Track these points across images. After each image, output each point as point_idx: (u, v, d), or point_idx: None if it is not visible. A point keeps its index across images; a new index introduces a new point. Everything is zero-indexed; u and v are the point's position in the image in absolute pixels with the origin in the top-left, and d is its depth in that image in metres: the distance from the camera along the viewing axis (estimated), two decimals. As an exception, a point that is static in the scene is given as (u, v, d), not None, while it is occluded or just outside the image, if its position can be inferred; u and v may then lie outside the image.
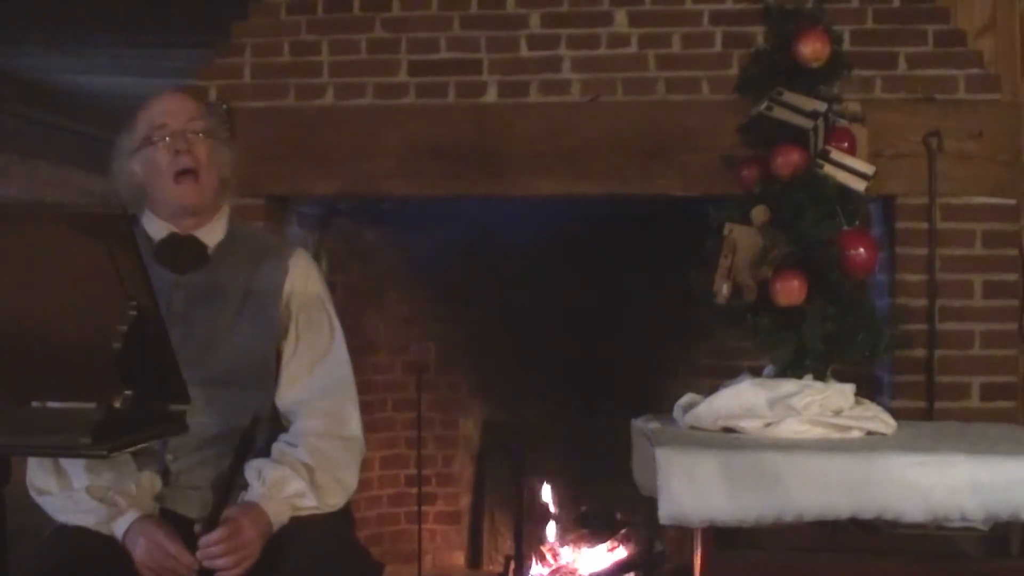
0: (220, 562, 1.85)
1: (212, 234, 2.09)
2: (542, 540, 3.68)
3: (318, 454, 2.00)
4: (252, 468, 1.98)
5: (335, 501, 2.02)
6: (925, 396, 2.96)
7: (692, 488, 1.97)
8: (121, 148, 2.08)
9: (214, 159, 2.07)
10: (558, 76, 3.10)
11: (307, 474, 1.97)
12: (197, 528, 1.90)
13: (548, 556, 3.63)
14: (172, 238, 2.06)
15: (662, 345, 3.67)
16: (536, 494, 3.72)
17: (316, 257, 3.37)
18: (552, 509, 3.70)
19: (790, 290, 2.21)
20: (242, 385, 2.01)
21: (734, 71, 2.82)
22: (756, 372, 2.34)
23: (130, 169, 2.06)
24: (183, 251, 2.05)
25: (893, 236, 3.01)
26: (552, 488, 3.72)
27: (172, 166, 2.02)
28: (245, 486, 1.98)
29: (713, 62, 3.05)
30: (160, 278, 1.92)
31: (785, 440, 2.13)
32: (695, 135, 2.99)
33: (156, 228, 2.07)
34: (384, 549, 3.63)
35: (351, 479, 2.06)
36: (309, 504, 1.97)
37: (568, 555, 3.62)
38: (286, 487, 1.95)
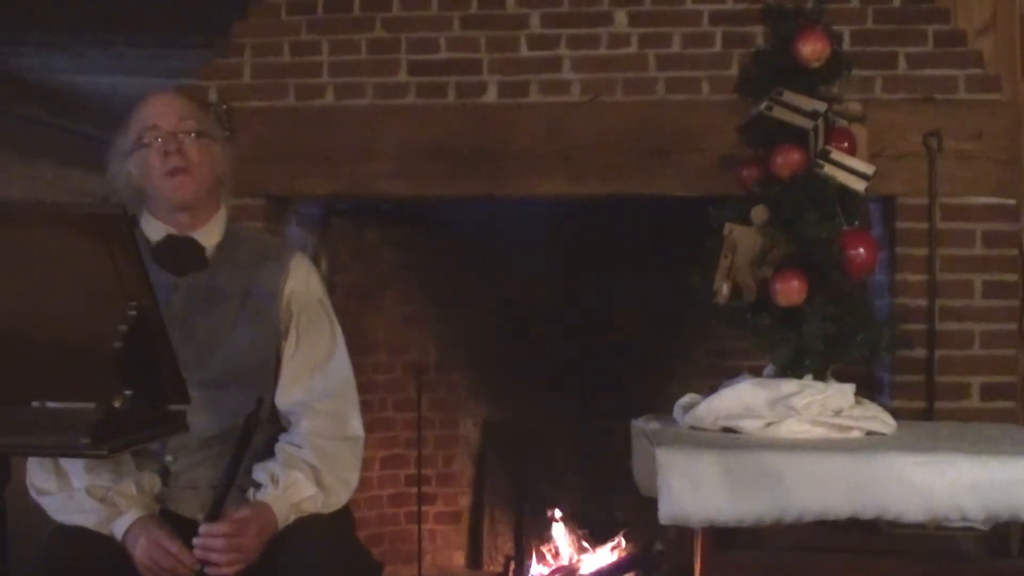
0: (215, 556, 1.85)
1: (210, 235, 2.09)
2: (542, 540, 3.68)
3: (323, 455, 2.01)
4: (263, 470, 1.99)
5: (338, 500, 2.04)
6: (925, 396, 2.96)
7: (692, 488, 1.96)
8: (116, 149, 2.09)
9: (206, 158, 2.07)
10: (558, 76, 3.10)
11: (314, 475, 1.99)
12: (199, 517, 1.91)
13: (548, 556, 3.63)
14: (169, 240, 2.06)
15: (662, 345, 3.67)
16: (536, 494, 3.72)
17: (316, 257, 3.39)
18: (552, 509, 3.70)
19: (790, 290, 2.20)
20: (242, 386, 2.01)
21: (734, 71, 2.82)
22: (756, 372, 2.33)
23: (126, 170, 2.06)
24: (181, 253, 2.05)
25: (893, 236, 3.01)
26: (552, 488, 3.72)
27: (163, 166, 2.02)
28: (246, 485, 1.98)
29: (713, 62, 3.05)
30: (159, 280, 1.92)
31: (785, 440, 2.13)
32: (695, 135, 2.99)
33: (153, 230, 2.07)
34: (384, 549, 3.63)
35: (354, 479, 2.08)
36: (316, 506, 1.99)
37: (568, 555, 3.62)
38: (298, 491, 1.96)
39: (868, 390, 2.61)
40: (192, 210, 2.07)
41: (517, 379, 3.75)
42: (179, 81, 3.25)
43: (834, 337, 2.24)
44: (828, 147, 2.27)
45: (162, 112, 2.06)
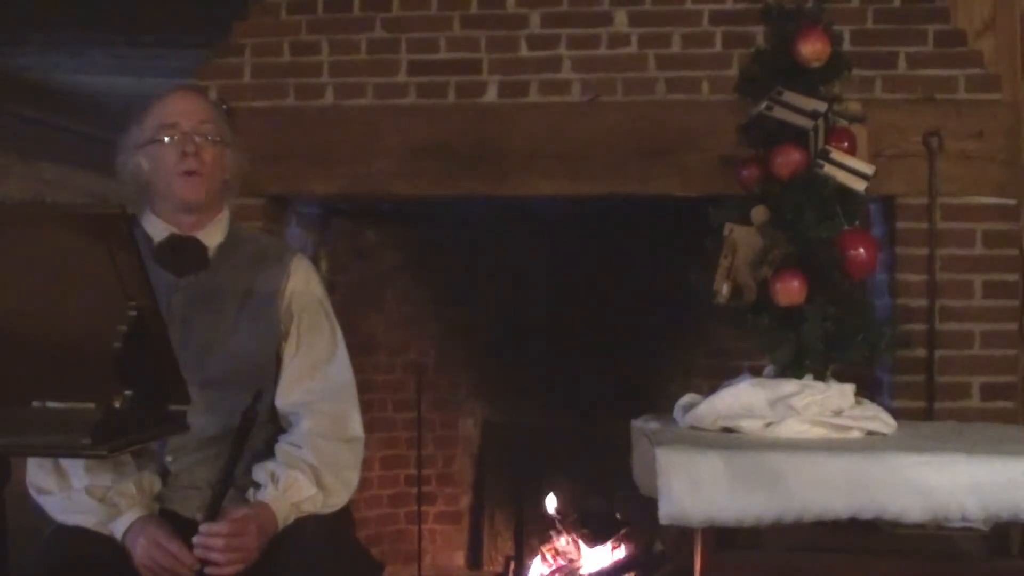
0: (215, 556, 1.85)
1: (213, 236, 2.09)
2: (542, 540, 3.68)
3: (323, 455, 2.01)
4: (263, 470, 1.99)
5: (338, 501, 2.04)
6: (925, 396, 2.96)
7: (692, 488, 1.97)
8: (129, 140, 2.07)
9: (219, 162, 2.07)
10: (558, 76, 3.10)
11: (314, 476, 1.99)
12: (198, 516, 1.91)
13: (548, 556, 3.63)
14: (172, 239, 2.05)
15: (662, 346, 3.67)
16: (536, 494, 3.72)
17: (316, 257, 3.39)
18: (552, 509, 3.70)
19: (790, 290, 2.21)
20: (242, 387, 2.01)
21: (734, 71, 2.81)
22: (756, 372, 2.33)
23: (136, 162, 2.06)
24: (183, 253, 2.05)
25: (893, 236, 3.01)
26: (552, 488, 3.72)
27: (178, 166, 2.02)
28: (247, 485, 1.98)
29: (713, 62, 3.05)
30: (160, 280, 1.92)
31: (785, 440, 2.13)
32: (695, 135, 2.99)
33: (156, 229, 2.07)
34: (384, 549, 3.63)
35: (354, 479, 2.08)
36: (316, 506, 1.99)
37: (568, 555, 3.62)
38: (299, 491, 1.96)
39: (868, 390, 2.61)
40: (198, 212, 2.07)
41: (517, 379, 3.75)
42: (179, 81, 3.24)
43: (834, 337, 2.24)
44: (828, 147, 2.27)
45: (185, 111, 2.05)
